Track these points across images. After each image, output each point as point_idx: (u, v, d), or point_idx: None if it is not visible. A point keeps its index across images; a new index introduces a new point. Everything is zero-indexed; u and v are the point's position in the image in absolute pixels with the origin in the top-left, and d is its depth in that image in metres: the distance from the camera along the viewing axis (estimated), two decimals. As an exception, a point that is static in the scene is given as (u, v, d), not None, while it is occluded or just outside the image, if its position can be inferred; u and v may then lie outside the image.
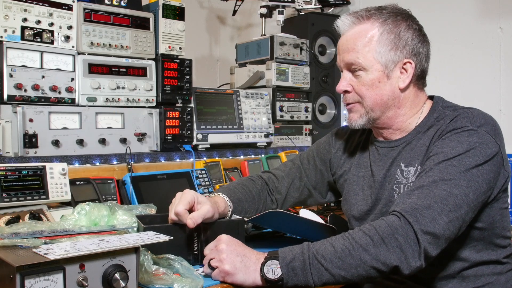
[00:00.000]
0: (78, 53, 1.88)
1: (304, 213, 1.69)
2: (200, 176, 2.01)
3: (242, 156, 2.36)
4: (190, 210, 1.30)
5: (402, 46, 1.35)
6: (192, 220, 1.25)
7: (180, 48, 2.15)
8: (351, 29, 1.38)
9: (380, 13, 1.37)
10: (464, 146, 1.25)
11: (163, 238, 1.12)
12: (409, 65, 1.36)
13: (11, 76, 1.71)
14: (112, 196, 1.75)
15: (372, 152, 1.50)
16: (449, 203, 1.17)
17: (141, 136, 2.02)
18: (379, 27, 1.35)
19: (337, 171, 1.62)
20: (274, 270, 1.15)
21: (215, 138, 2.26)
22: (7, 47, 1.71)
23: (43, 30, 1.79)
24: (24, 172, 1.52)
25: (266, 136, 2.47)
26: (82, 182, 1.71)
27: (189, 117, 2.14)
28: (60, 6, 1.83)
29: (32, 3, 1.77)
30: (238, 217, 1.46)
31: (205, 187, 2.00)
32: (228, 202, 1.47)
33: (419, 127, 1.41)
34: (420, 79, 1.41)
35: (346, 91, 1.42)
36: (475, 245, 1.32)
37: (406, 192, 1.24)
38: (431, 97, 1.46)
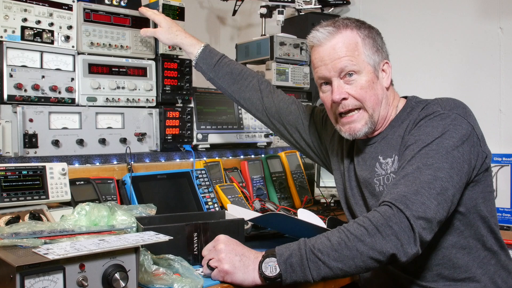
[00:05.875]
0: (78, 53, 1.88)
1: (303, 213, 1.69)
2: (200, 176, 2.01)
3: (242, 156, 2.36)
4: None
5: (380, 49, 1.44)
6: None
7: (180, 48, 2.15)
8: (333, 38, 1.40)
9: (352, 22, 1.43)
10: (439, 129, 1.29)
11: (163, 238, 1.13)
12: (387, 66, 1.46)
13: (11, 76, 1.71)
14: (112, 196, 1.75)
15: (356, 154, 1.55)
16: (436, 187, 1.20)
17: (141, 136, 2.02)
18: (359, 33, 1.41)
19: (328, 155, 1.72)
20: (272, 267, 1.16)
21: (215, 138, 2.26)
22: (7, 47, 1.71)
23: (43, 30, 1.79)
24: (24, 172, 1.52)
25: (266, 136, 2.47)
26: (82, 182, 1.71)
27: (189, 117, 2.14)
28: (60, 6, 1.83)
29: (32, 3, 1.77)
30: (238, 217, 1.46)
31: (205, 187, 2.00)
32: (202, 47, 1.84)
33: (393, 122, 1.47)
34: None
35: (344, 99, 1.41)
36: (462, 231, 1.33)
37: (392, 183, 1.26)
38: (404, 97, 1.53)
